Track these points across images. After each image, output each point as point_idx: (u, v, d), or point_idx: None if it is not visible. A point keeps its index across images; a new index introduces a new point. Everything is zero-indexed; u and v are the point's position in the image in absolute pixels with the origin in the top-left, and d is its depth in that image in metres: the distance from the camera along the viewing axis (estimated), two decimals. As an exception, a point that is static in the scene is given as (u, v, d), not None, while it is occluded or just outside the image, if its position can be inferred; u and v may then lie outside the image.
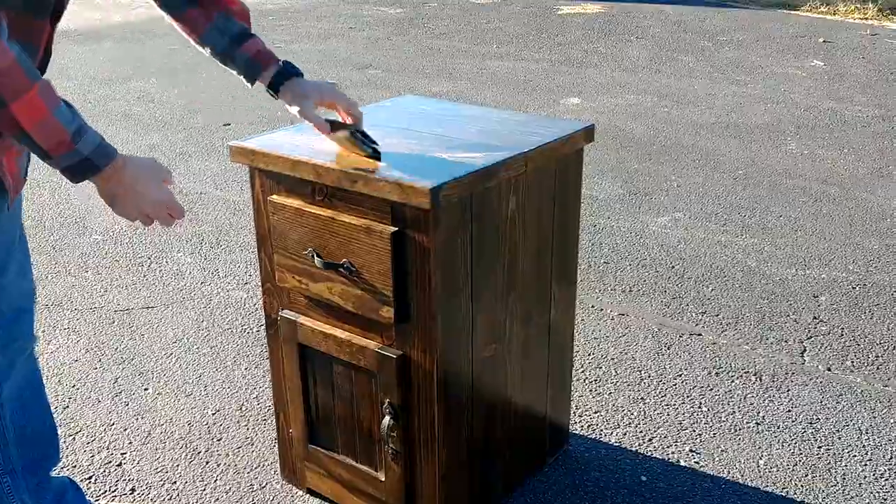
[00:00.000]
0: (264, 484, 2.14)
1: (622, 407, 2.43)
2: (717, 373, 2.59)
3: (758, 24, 8.09)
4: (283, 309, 1.90)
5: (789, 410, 2.40)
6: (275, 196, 1.79)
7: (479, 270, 1.73)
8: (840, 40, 7.35)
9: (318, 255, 1.72)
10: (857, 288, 3.11)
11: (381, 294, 1.66)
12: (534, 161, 1.76)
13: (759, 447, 2.25)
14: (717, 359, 2.66)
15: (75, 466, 2.21)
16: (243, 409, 2.44)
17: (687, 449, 2.25)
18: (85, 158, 1.36)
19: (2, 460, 1.63)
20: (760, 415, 2.39)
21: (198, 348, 2.77)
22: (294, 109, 1.78)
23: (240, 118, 5.33)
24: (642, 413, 2.40)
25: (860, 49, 7.03)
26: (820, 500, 2.06)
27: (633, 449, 2.25)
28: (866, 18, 8.27)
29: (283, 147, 1.79)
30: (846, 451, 2.23)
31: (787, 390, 2.50)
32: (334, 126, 1.76)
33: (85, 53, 7.20)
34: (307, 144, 1.79)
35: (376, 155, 1.69)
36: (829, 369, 2.60)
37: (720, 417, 2.38)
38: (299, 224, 1.74)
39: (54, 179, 4.28)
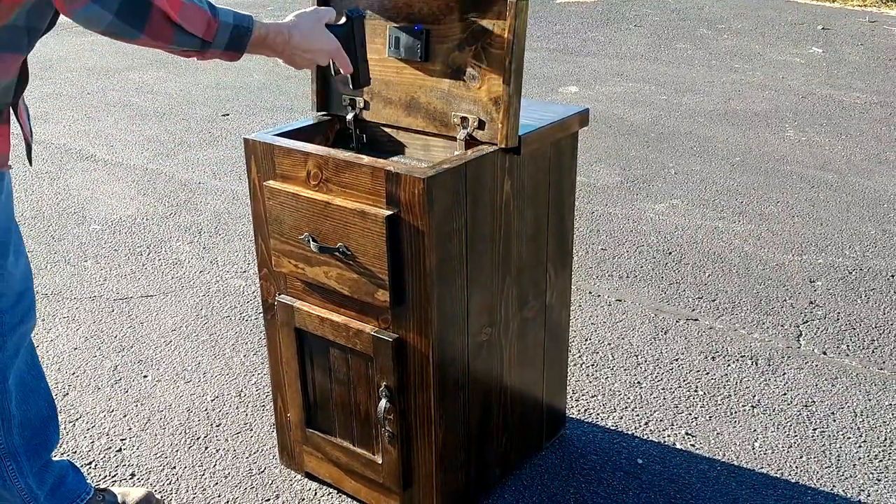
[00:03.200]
0: (263, 468, 2.15)
1: (619, 391, 2.44)
2: (713, 357, 2.60)
3: (756, 11, 8.08)
4: (280, 294, 1.91)
5: (785, 394, 2.42)
6: (271, 181, 1.80)
7: (473, 254, 1.74)
8: (839, 27, 7.34)
9: (314, 240, 1.73)
10: (854, 273, 3.12)
11: (377, 278, 1.67)
12: (529, 145, 1.77)
13: (755, 430, 2.27)
14: (714, 343, 2.67)
15: (76, 452, 2.23)
16: (242, 395, 2.46)
17: (683, 432, 2.26)
18: (234, 27, 1.42)
19: (5, 444, 1.65)
20: (756, 398, 2.40)
21: (196, 336, 2.78)
22: None
23: (238, 108, 5.34)
24: (639, 397, 2.41)
25: (859, 36, 7.02)
26: (814, 481, 2.08)
27: (630, 432, 2.27)
28: (865, 5, 8.26)
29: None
30: (841, 433, 2.25)
31: (783, 374, 2.51)
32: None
33: (83, 44, 7.20)
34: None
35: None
36: (824, 353, 2.61)
37: (716, 401, 2.39)
38: (295, 209, 1.75)
39: (53, 170, 4.29)
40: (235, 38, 1.43)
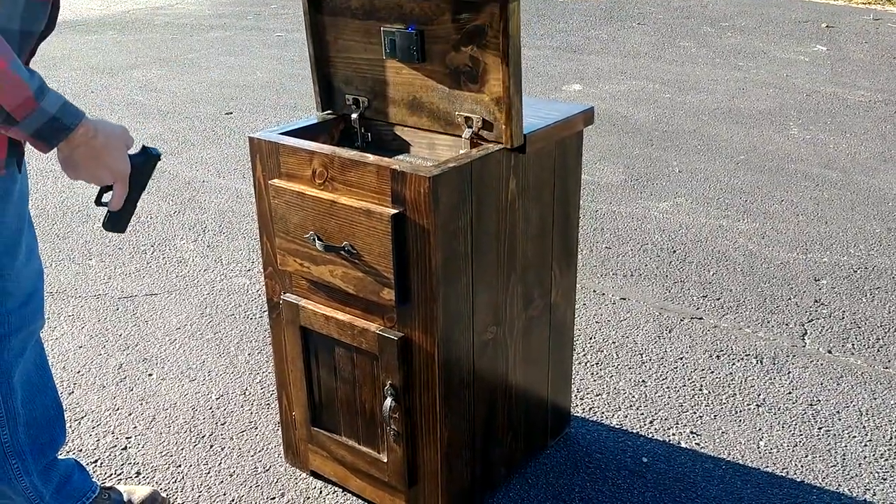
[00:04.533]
0: (268, 467, 2.15)
1: (623, 390, 2.44)
2: (717, 356, 2.60)
3: (760, 9, 8.06)
4: (285, 292, 1.91)
5: (790, 392, 2.41)
6: (276, 180, 1.80)
7: (479, 252, 1.74)
8: (843, 25, 7.33)
9: (319, 239, 1.73)
10: (858, 271, 3.11)
11: (382, 276, 1.67)
12: (534, 143, 1.77)
13: (760, 429, 2.27)
14: (718, 342, 2.67)
15: (81, 450, 2.23)
16: (247, 393, 2.46)
17: (688, 431, 2.26)
18: (53, 118, 1.28)
19: (11, 442, 1.65)
20: (761, 397, 2.40)
21: (201, 334, 2.78)
22: None
23: (242, 107, 5.34)
24: (643, 396, 2.41)
25: (863, 34, 7.01)
26: (820, 480, 2.07)
27: (635, 431, 2.26)
28: (870, 3, 8.24)
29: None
30: (846, 432, 2.25)
31: (788, 373, 2.51)
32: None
33: (87, 43, 7.21)
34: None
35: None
36: (829, 352, 2.61)
37: (721, 400, 2.39)
38: (300, 208, 1.75)
39: (57, 168, 4.30)
40: (48, 131, 1.28)
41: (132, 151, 1.48)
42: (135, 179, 1.48)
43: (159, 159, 1.52)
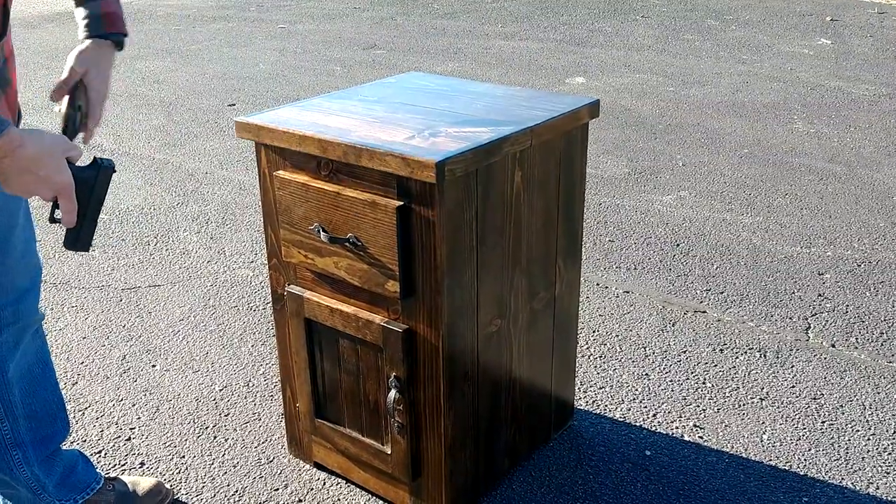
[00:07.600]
0: (272, 458, 2.16)
1: (627, 383, 2.44)
2: (721, 349, 2.60)
3: (764, 2, 8.04)
4: (289, 284, 1.91)
5: (793, 386, 2.41)
6: (280, 171, 1.80)
7: (484, 245, 1.73)
8: (847, 18, 7.31)
9: (324, 230, 1.73)
10: (862, 265, 3.11)
11: (387, 268, 1.67)
12: (539, 136, 1.77)
13: (763, 422, 2.27)
14: (722, 335, 2.67)
15: (85, 441, 2.23)
16: (250, 384, 2.46)
17: (691, 424, 2.26)
18: None
19: (12, 434, 1.66)
20: (764, 391, 2.40)
21: (204, 325, 2.78)
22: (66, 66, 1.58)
23: (244, 98, 5.33)
24: (647, 389, 2.41)
25: (868, 27, 6.99)
26: (823, 473, 2.07)
27: (638, 424, 2.27)
28: (874, -3, 8.22)
29: (288, 122, 1.79)
30: (849, 426, 2.25)
31: (792, 366, 2.51)
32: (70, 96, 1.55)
33: (89, 34, 7.19)
34: (312, 120, 1.79)
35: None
36: (833, 346, 2.61)
37: (724, 393, 2.39)
38: (305, 199, 1.75)
39: (60, 159, 4.29)
40: None
41: (83, 163, 1.39)
42: (86, 194, 1.37)
43: (113, 171, 1.41)
